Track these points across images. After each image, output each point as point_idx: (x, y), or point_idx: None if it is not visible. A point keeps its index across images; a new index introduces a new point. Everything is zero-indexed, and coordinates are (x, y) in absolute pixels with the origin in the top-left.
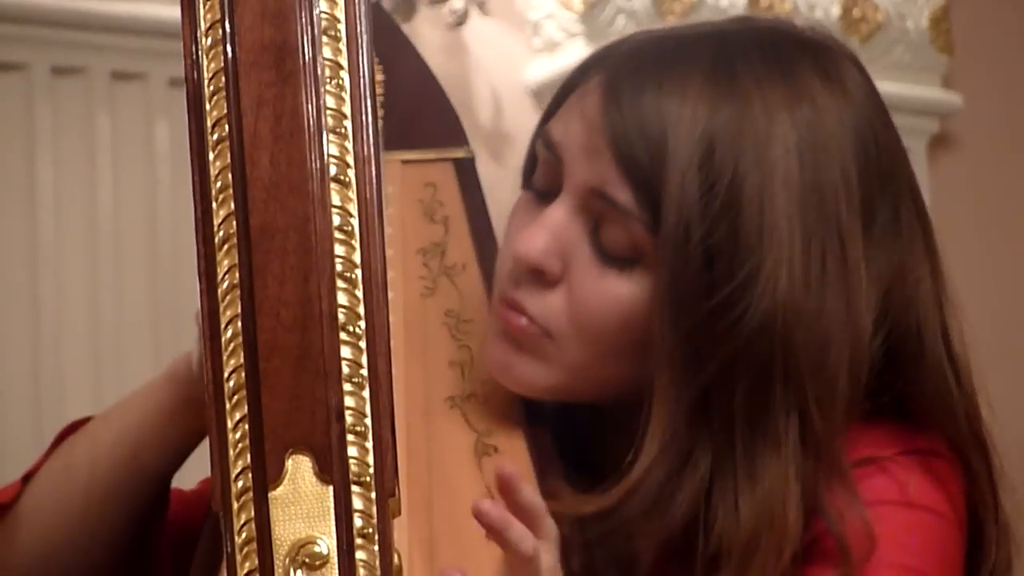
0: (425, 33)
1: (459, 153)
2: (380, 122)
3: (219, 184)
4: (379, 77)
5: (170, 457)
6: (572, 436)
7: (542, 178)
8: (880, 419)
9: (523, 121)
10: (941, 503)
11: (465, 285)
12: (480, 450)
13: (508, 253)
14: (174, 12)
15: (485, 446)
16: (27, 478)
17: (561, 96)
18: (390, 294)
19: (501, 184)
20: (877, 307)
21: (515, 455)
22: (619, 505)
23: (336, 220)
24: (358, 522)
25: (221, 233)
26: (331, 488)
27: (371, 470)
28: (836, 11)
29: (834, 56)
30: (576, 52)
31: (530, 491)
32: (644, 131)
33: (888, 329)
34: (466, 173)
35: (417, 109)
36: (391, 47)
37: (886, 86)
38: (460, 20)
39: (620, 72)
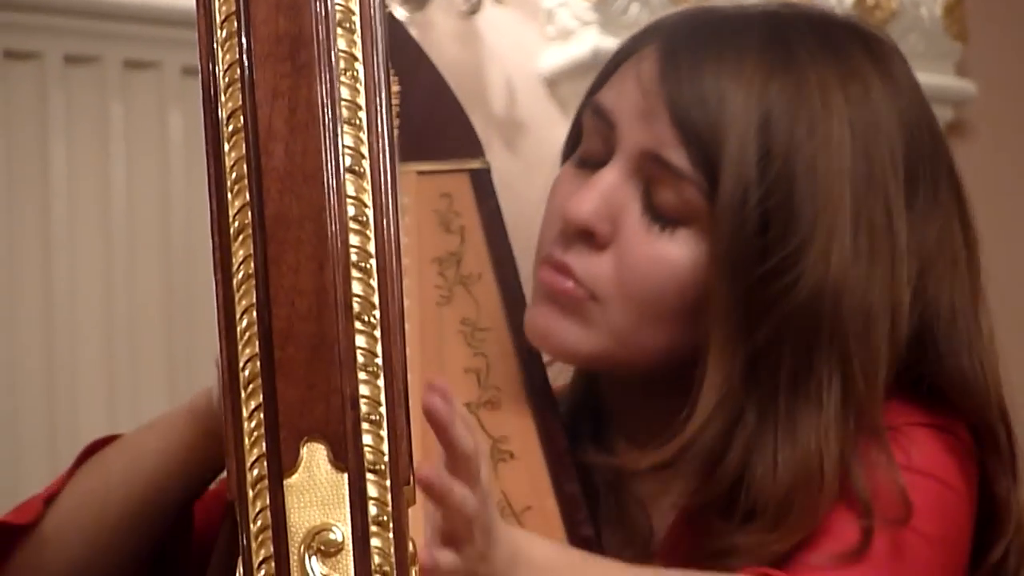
0: (439, 21)
1: (475, 164)
2: (396, 132)
3: (234, 175)
4: (395, 88)
5: (190, 486)
6: (589, 410)
7: (590, 147)
8: (901, 394)
9: (537, 109)
10: (948, 473)
11: (481, 294)
12: (496, 456)
13: (553, 218)
14: (188, 1)
15: (501, 452)
16: (48, 500)
17: (611, 67)
18: (406, 302)
19: (514, 173)
20: (915, 281)
21: (530, 460)
22: (674, 460)
23: (351, 210)
24: (373, 510)
25: (236, 223)
26: (346, 476)
27: (386, 458)
28: None
29: (880, 42)
30: (590, 40)
31: (459, 405)
32: (702, 97)
33: (923, 304)
34: (482, 184)
35: (433, 120)
36: (407, 59)
37: None
38: (474, 8)
39: (677, 41)
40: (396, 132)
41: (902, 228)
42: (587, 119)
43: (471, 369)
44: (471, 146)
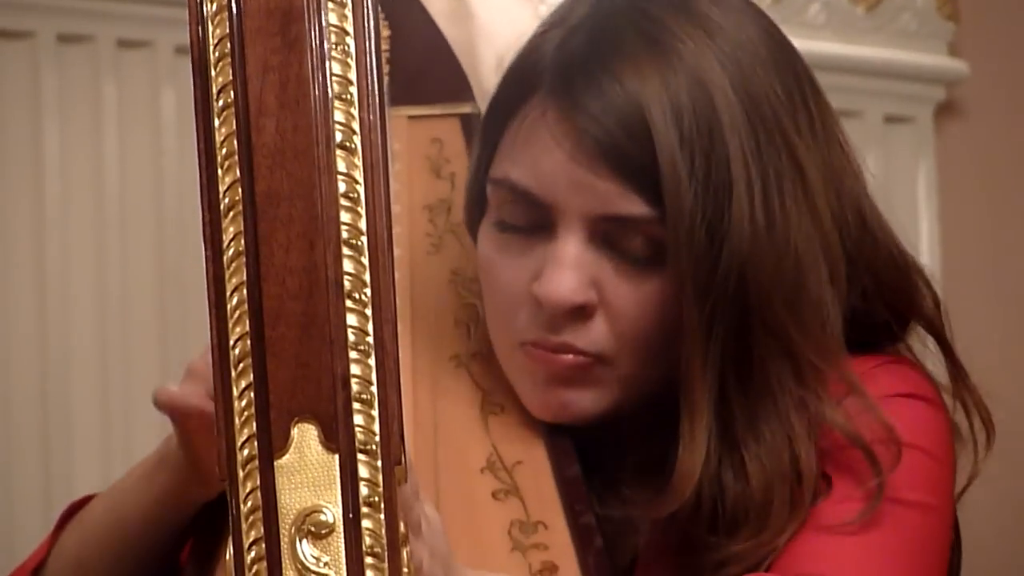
0: (431, 0)
1: (465, 108)
2: (386, 79)
3: (224, 151)
4: (385, 33)
5: (173, 534)
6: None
7: (511, 217)
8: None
9: None
10: (934, 444)
11: (470, 242)
12: (487, 408)
13: (504, 292)
14: None
15: (491, 404)
16: (36, 570)
17: (493, 134)
18: (396, 251)
19: None
20: (835, 204)
21: (521, 413)
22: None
23: (342, 187)
24: (364, 490)
25: (226, 200)
26: (337, 456)
27: (377, 438)
28: None
29: None
30: None
31: None
32: (628, 130)
33: (840, 228)
34: (472, 129)
35: (423, 65)
36: (397, 4)
37: (892, 54)
38: None
39: (566, 85)
40: (387, 78)
41: (813, 163)
42: (499, 194)
43: (461, 320)
44: (461, 91)
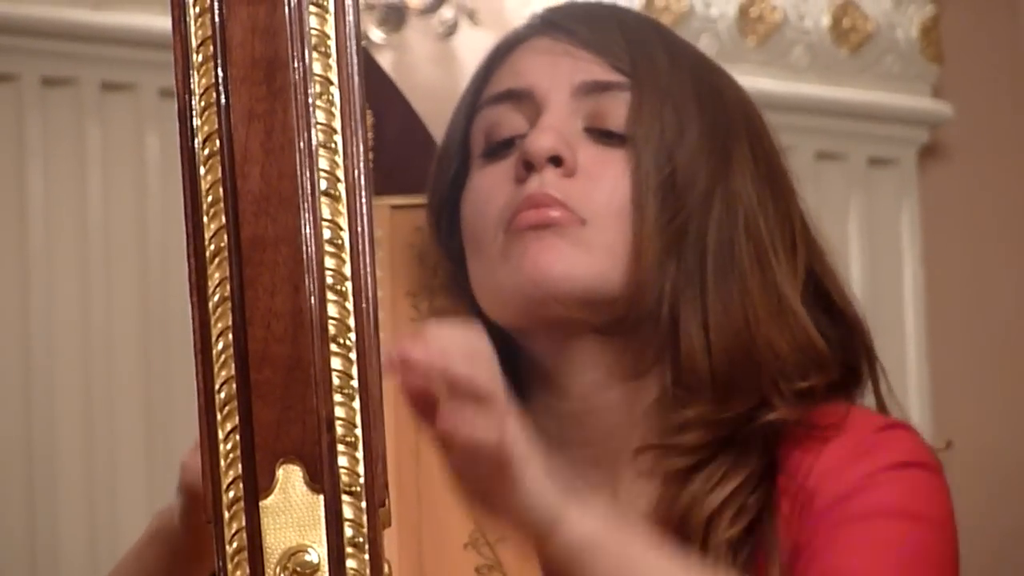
0: (415, 44)
1: None
2: (370, 164)
3: (210, 198)
4: (368, 121)
5: None
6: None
7: (499, 136)
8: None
9: None
10: (928, 455)
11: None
12: None
13: (499, 196)
14: (164, 23)
15: None
16: None
17: (480, 82)
18: (380, 335)
19: None
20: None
21: None
22: (630, 307)
23: (327, 233)
24: (348, 531)
25: (212, 246)
26: (322, 497)
27: (361, 480)
28: (826, 21)
29: None
30: None
31: (463, 364)
32: (605, 27)
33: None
34: None
35: (406, 154)
36: (380, 93)
37: (876, 96)
38: (450, 30)
39: (552, 15)
40: (370, 165)
41: (765, 140)
42: (486, 119)
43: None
44: None
